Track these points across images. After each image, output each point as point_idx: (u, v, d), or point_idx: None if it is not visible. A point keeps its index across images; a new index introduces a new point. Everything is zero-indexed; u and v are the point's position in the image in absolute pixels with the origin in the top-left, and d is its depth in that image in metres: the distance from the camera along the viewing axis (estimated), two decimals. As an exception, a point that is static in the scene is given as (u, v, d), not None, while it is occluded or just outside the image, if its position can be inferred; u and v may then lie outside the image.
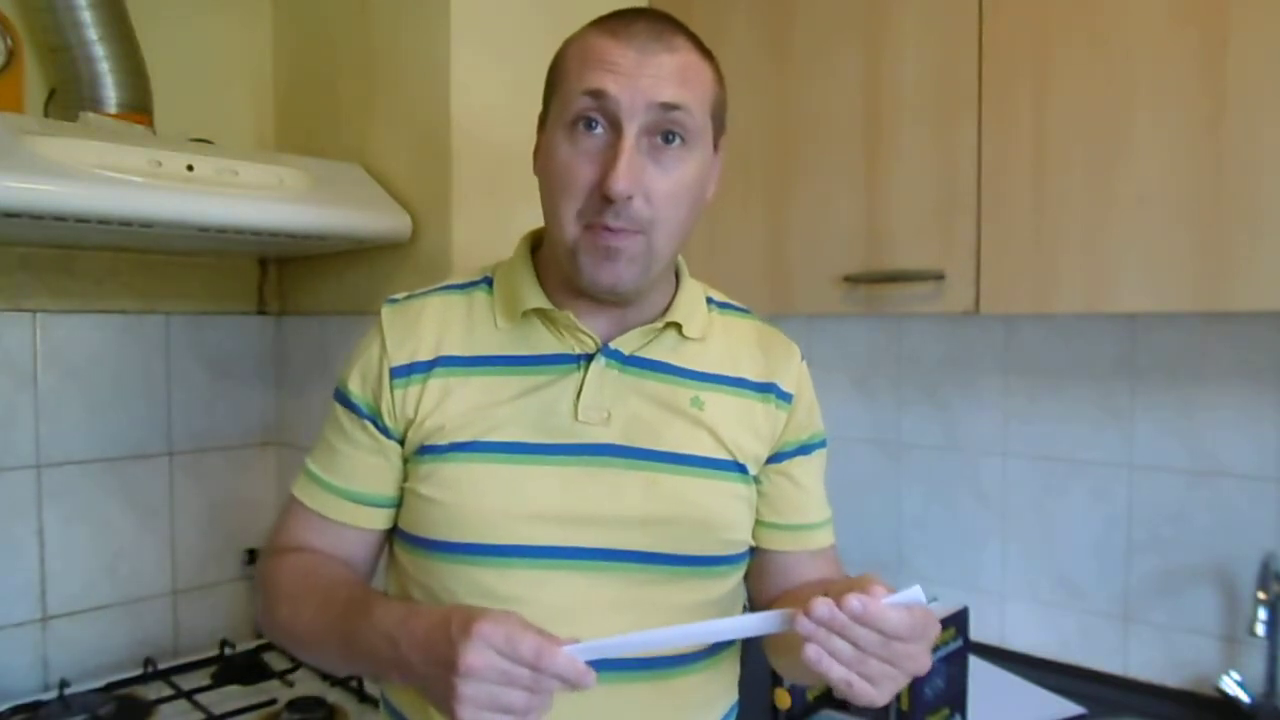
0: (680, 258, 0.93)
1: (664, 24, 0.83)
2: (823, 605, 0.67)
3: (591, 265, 0.81)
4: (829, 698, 1.32)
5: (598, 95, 0.79)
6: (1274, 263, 1.01)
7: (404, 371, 0.87)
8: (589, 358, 0.87)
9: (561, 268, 0.85)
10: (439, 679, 0.69)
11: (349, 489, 0.89)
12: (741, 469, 0.90)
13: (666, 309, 0.90)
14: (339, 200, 1.39)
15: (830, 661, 0.68)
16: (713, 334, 0.94)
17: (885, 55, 1.33)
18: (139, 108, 1.48)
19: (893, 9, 1.31)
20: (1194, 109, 1.05)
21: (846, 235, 1.37)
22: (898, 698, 1.17)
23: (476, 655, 0.66)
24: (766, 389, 0.93)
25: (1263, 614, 1.19)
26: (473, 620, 0.68)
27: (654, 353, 0.89)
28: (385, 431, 0.88)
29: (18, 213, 1.11)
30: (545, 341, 0.88)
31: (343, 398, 0.91)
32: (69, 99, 1.44)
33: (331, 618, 0.81)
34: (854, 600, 0.67)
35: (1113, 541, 1.45)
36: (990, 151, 1.22)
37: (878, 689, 0.70)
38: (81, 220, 1.16)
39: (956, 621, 1.25)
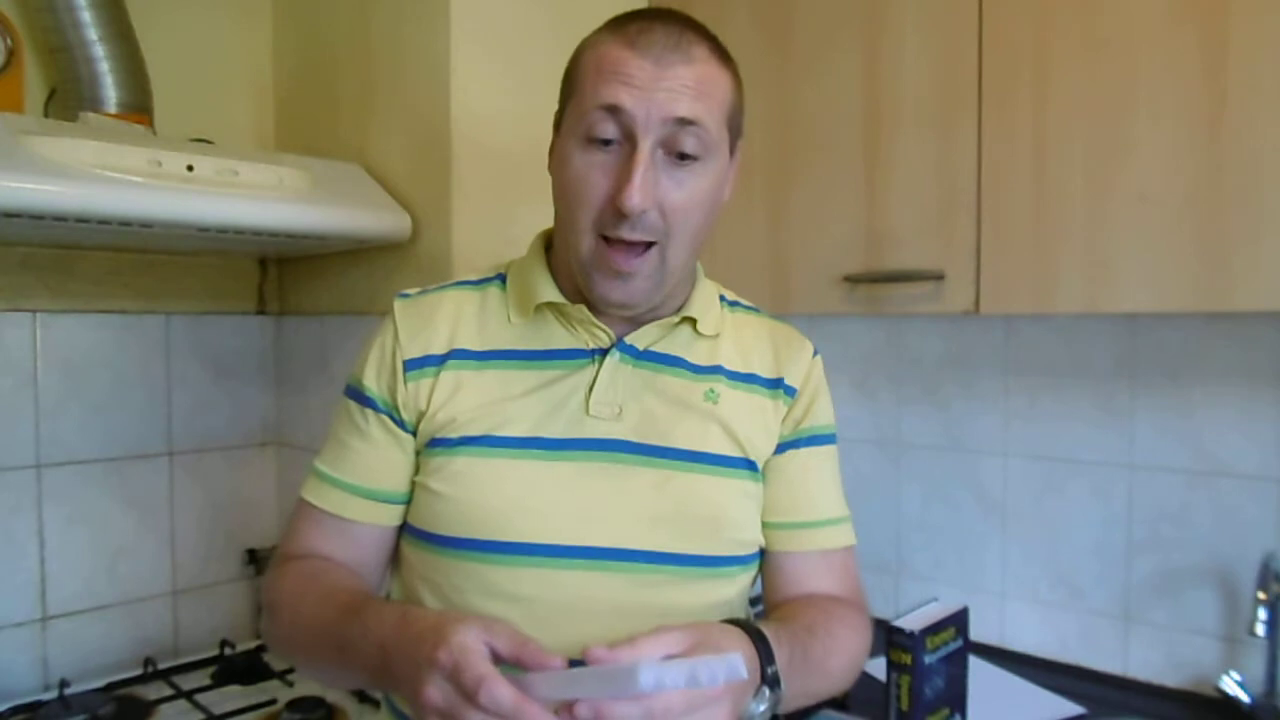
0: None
1: (682, 31, 0.80)
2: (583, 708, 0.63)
3: (604, 282, 0.82)
4: (829, 698, 1.32)
5: (613, 110, 0.78)
6: (1274, 263, 1.01)
7: (417, 364, 0.87)
8: (603, 352, 0.87)
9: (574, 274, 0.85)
10: (413, 705, 0.67)
11: (361, 485, 0.89)
12: (752, 466, 0.90)
13: (682, 305, 0.90)
14: (339, 200, 1.39)
15: None
16: (726, 331, 0.94)
17: (885, 55, 1.32)
18: (139, 108, 1.48)
19: (893, 9, 1.31)
20: (1194, 109, 1.05)
21: (846, 235, 1.37)
22: (898, 698, 1.17)
23: (433, 689, 0.64)
24: (776, 385, 0.93)
25: (1263, 614, 1.19)
26: (439, 646, 0.65)
27: (668, 348, 0.89)
28: (401, 424, 0.88)
29: (18, 213, 1.11)
30: (559, 336, 0.88)
31: (356, 393, 0.90)
32: (69, 99, 1.44)
33: (327, 621, 0.79)
34: (581, 707, 0.62)
35: (1113, 541, 1.45)
36: (990, 151, 1.22)
37: None
38: (81, 220, 1.16)
39: (956, 621, 1.25)
